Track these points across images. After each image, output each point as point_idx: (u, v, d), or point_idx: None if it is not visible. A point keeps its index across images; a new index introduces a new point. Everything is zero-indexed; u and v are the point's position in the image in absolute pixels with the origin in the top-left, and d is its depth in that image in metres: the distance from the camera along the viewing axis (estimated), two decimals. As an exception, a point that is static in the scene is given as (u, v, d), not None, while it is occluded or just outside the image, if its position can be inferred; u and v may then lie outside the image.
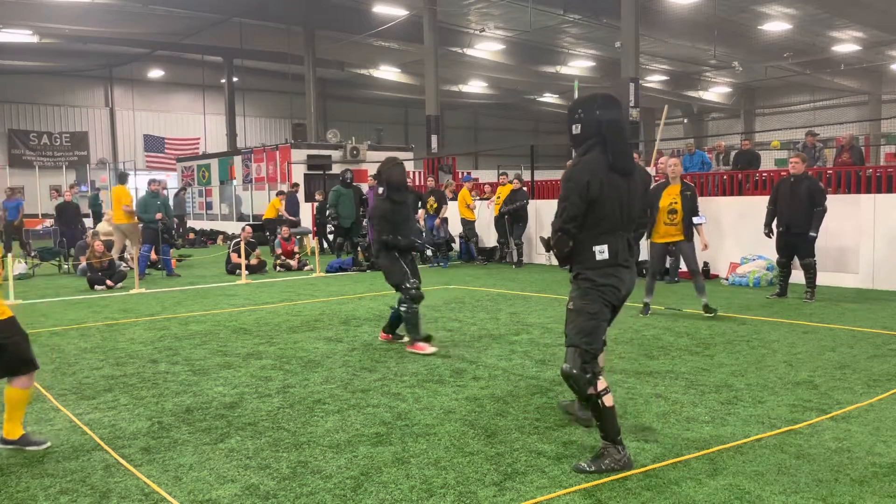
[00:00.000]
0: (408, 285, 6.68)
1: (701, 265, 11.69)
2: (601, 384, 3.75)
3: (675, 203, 8.18)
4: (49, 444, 4.26)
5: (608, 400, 3.74)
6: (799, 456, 3.89)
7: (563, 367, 3.80)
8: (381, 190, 6.74)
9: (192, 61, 34.71)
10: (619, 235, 3.83)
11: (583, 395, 3.78)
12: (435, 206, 14.81)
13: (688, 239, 8.26)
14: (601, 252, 3.78)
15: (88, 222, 20.16)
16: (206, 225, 25.68)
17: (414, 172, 20.75)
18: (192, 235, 23.04)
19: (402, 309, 6.67)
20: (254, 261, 13.77)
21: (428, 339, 6.69)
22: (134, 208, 13.59)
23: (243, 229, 14.39)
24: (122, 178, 14.38)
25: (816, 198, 8.92)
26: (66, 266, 14.82)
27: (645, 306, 8.44)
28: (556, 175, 16.26)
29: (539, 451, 4.02)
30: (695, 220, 8.23)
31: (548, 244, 3.98)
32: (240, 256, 13.23)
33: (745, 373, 5.64)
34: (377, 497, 3.48)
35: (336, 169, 21.15)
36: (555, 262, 13.98)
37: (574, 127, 3.89)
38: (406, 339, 6.85)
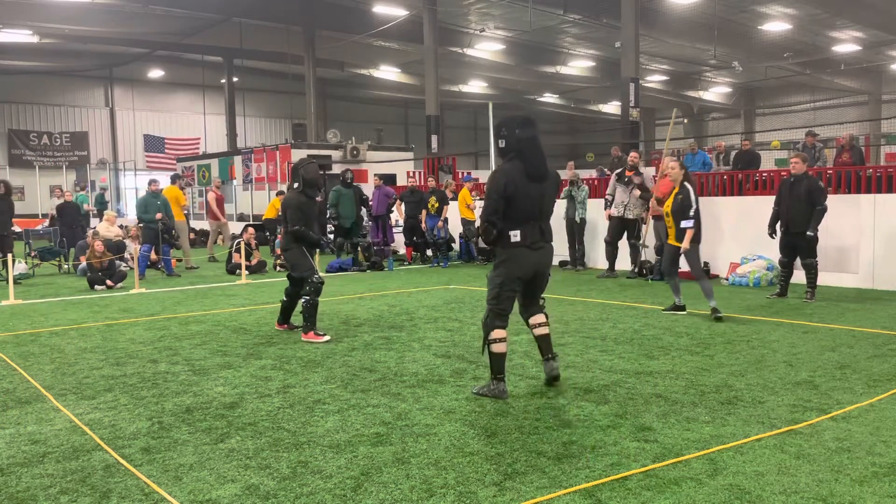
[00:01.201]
0: (314, 279, 7.19)
1: (701, 265, 11.78)
2: (495, 334, 4.98)
3: (668, 207, 8.11)
4: None
5: (496, 348, 4.99)
6: (799, 456, 3.89)
7: (482, 320, 5.08)
8: (296, 185, 7.28)
9: (192, 61, 34.71)
10: (531, 225, 4.93)
11: (484, 339, 5.04)
12: (436, 206, 14.80)
13: (693, 242, 7.98)
14: (515, 236, 4.90)
15: (95, 222, 20.14)
16: (206, 225, 25.66)
17: (414, 172, 20.75)
18: (192, 235, 23.04)
19: (305, 300, 7.15)
20: (253, 261, 13.76)
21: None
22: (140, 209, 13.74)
23: (245, 230, 14.39)
24: (173, 179, 15.67)
25: (816, 197, 8.92)
26: (66, 266, 14.82)
27: (677, 307, 8.35)
28: (556, 175, 16.25)
29: (539, 451, 4.02)
30: (682, 223, 7.93)
31: (476, 232, 5.10)
32: (241, 256, 13.27)
33: (745, 373, 5.64)
34: (377, 497, 3.48)
35: (336, 169, 21.14)
36: (554, 262, 14.06)
37: (499, 142, 4.93)
38: (300, 327, 7.38)
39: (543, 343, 5.31)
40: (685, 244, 7.94)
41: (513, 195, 4.79)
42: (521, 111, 5.54)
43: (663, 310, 8.54)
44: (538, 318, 5.31)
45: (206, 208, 16.39)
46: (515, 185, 4.79)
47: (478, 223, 5.20)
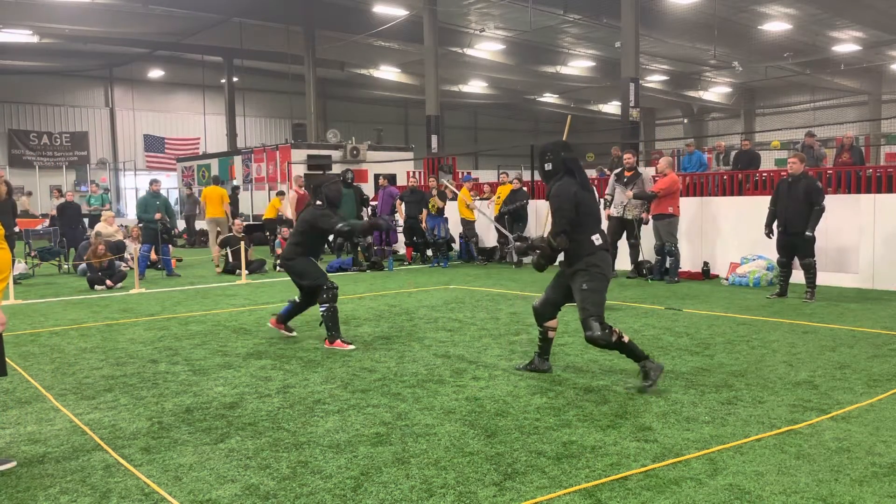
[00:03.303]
0: (329, 285, 6.97)
1: (701, 265, 11.81)
2: (616, 330, 5.13)
3: None
4: (14, 463, 3.99)
5: (625, 338, 5.15)
6: (799, 456, 3.89)
7: (587, 335, 5.15)
8: (318, 202, 7.13)
9: (192, 61, 34.70)
10: (600, 230, 5.33)
11: (611, 346, 5.15)
12: (437, 206, 14.79)
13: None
14: (597, 240, 5.24)
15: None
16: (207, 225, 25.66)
17: (414, 172, 20.74)
18: (185, 236, 23.13)
19: (324, 308, 6.90)
20: (250, 253, 13.95)
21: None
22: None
23: (233, 223, 14.49)
24: (215, 181, 18.60)
25: (814, 197, 8.92)
26: (66, 266, 14.82)
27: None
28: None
29: (539, 451, 4.02)
30: None
31: (546, 246, 5.34)
32: (221, 248, 13.65)
33: (745, 373, 5.64)
34: (377, 497, 3.48)
35: (336, 169, 21.14)
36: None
37: (546, 165, 5.43)
38: (295, 334, 7.38)
39: (551, 344, 5.81)
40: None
41: (580, 203, 5.22)
42: (556, 139, 6.07)
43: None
44: (555, 323, 5.75)
45: (286, 207, 16.58)
46: (580, 195, 5.24)
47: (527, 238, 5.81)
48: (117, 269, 12.31)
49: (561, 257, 5.41)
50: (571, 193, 5.20)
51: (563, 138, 12.12)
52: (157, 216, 13.46)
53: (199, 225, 25.36)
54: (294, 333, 7.41)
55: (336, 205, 7.23)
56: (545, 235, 5.43)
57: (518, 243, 5.69)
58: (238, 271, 13.14)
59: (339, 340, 6.85)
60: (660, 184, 11.18)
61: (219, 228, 16.69)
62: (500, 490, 3.53)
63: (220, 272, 14.00)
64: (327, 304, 6.87)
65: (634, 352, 5.20)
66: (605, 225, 12.24)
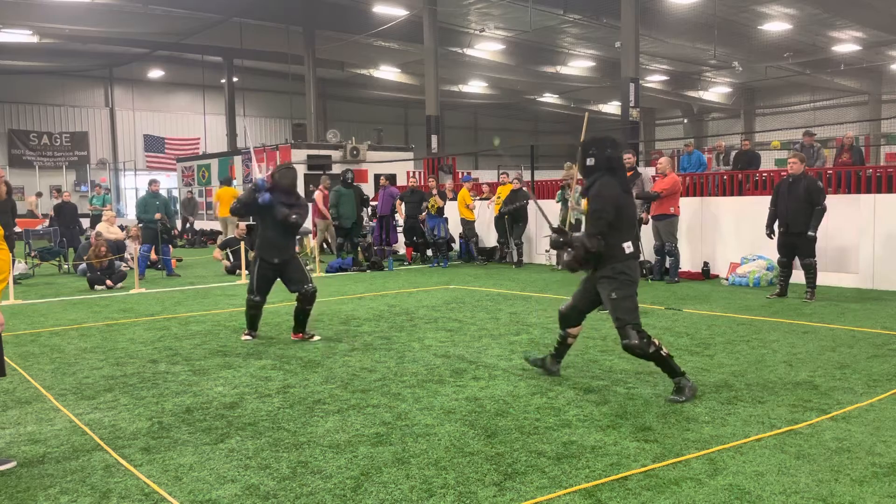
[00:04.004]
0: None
1: (701, 265, 11.80)
2: (655, 342, 4.89)
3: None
4: (15, 463, 4.00)
5: (664, 350, 4.92)
6: (799, 456, 3.89)
7: (623, 343, 4.93)
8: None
9: (192, 61, 34.68)
10: (634, 236, 5.11)
11: (647, 356, 4.91)
12: (437, 206, 14.79)
13: None
14: (628, 247, 4.97)
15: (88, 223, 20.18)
16: (207, 225, 25.69)
17: (414, 172, 20.73)
18: (186, 237, 23.19)
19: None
20: (224, 262, 13.93)
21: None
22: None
23: (237, 226, 14.45)
24: (227, 181, 19.51)
25: (815, 197, 8.93)
26: (66, 266, 14.82)
27: None
28: (556, 175, 16.25)
29: (539, 451, 4.02)
30: None
31: (581, 248, 4.95)
32: (222, 250, 13.58)
33: (745, 373, 5.64)
34: (377, 497, 3.48)
35: (336, 169, 21.14)
36: (553, 262, 14.03)
37: (588, 160, 5.08)
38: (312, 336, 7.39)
39: (566, 350, 5.66)
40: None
41: (621, 207, 4.94)
42: (608, 133, 5.89)
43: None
44: (578, 330, 5.54)
45: (313, 207, 16.61)
46: (621, 197, 4.97)
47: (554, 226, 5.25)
48: (117, 269, 12.31)
49: None
50: (614, 196, 4.91)
51: (581, 138, 12.08)
52: (158, 216, 13.46)
53: (198, 225, 25.40)
54: (317, 338, 7.30)
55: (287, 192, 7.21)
56: (581, 236, 5.07)
57: (555, 235, 5.15)
58: (238, 271, 13.15)
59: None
60: (662, 184, 11.17)
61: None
62: (500, 490, 3.53)
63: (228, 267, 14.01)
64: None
65: (672, 366, 4.94)
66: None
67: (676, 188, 11.18)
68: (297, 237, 17.76)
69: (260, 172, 12.88)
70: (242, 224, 14.95)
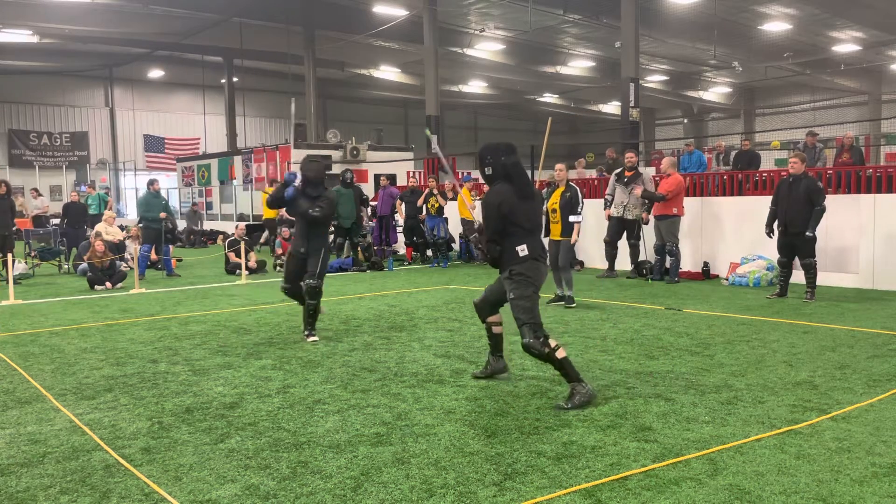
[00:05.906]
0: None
1: (701, 265, 11.81)
2: (552, 343, 4.90)
3: (556, 204, 8.97)
4: None
5: (560, 353, 4.89)
6: (799, 456, 3.89)
7: (522, 343, 4.95)
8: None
9: (192, 61, 34.68)
10: (533, 239, 5.12)
11: (543, 357, 4.92)
12: (437, 205, 14.79)
13: (567, 236, 9.01)
14: (522, 250, 5.02)
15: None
16: (206, 225, 25.72)
17: (414, 172, 20.72)
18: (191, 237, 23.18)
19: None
20: (251, 263, 13.67)
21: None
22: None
23: (237, 227, 14.45)
24: (270, 183, 18.53)
25: (815, 197, 8.93)
26: (66, 266, 14.82)
27: (556, 297, 9.17)
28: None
29: (539, 451, 4.02)
30: (571, 218, 8.90)
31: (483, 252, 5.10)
32: (237, 256, 13.31)
33: (745, 373, 5.64)
34: (377, 497, 3.48)
35: (336, 169, 21.13)
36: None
37: (486, 169, 5.15)
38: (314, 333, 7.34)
39: (500, 341, 5.66)
40: (574, 236, 9.02)
41: (509, 213, 4.99)
42: (502, 140, 5.93)
43: (548, 302, 9.01)
44: (498, 317, 5.60)
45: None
46: (510, 204, 5.01)
47: (476, 224, 5.55)
48: (117, 269, 12.31)
49: None
50: (497, 203, 4.98)
51: (545, 140, 12.19)
52: (163, 216, 13.46)
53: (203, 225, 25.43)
54: (314, 339, 7.25)
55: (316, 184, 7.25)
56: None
57: (476, 234, 5.66)
58: (238, 271, 13.15)
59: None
60: (666, 185, 11.15)
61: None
62: (500, 490, 3.53)
63: (253, 265, 13.82)
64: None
65: (567, 371, 4.89)
66: (604, 225, 12.32)
67: (680, 189, 11.18)
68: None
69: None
70: (242, 224, 14.96)
